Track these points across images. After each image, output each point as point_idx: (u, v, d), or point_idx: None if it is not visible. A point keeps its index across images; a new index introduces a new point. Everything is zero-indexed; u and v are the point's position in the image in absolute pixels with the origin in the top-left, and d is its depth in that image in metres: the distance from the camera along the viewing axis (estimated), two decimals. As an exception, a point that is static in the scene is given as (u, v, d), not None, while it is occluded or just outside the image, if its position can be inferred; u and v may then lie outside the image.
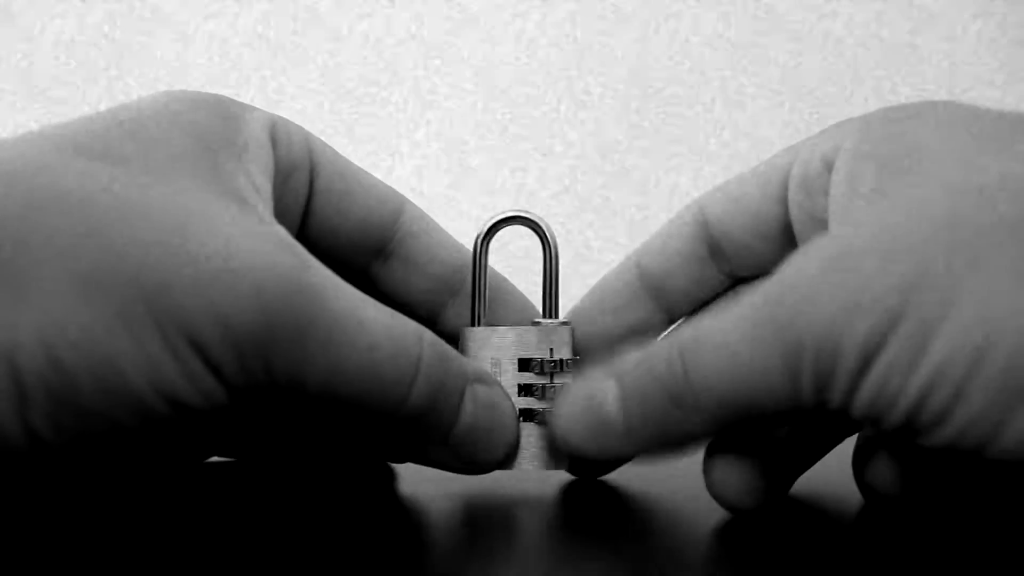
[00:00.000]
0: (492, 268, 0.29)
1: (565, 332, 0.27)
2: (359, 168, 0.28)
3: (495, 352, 0.27)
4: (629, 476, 0.28)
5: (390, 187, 0.28)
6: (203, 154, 0.23)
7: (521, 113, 0.66)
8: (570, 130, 0.66)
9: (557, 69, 0.66)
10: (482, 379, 0.25)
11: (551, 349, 0.26)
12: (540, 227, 0.27)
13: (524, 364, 0.27)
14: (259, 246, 0.22)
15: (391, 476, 0.29)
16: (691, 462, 0.30)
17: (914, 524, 0.24)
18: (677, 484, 0.28)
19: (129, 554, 0.21)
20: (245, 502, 0.26)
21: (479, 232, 0.27)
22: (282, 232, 0.23)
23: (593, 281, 0.29)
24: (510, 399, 0.26)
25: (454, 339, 0.27)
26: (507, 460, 0.26)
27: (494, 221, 0.27)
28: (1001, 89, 0.66)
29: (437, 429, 0.24)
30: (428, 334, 0.24)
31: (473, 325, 0.27)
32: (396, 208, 0.28)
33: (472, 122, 0.66)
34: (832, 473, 0.26)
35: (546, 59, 0.66)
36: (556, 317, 0.27)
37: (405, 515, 0.25)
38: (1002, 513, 0.25)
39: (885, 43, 0.66)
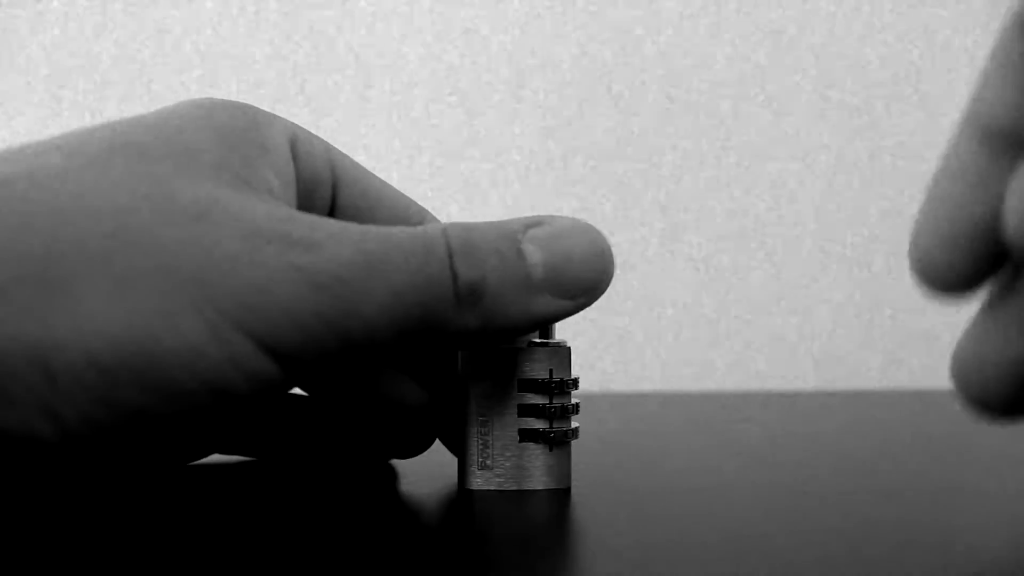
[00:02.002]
0: None
1: (564, 353, 0.27)
2: (381, 181, 0.28)
3: (495, 373, 0.27)
4: (632, 480, 0.29)
5: (411, 200, 0.28)
6: (226, 152, 0.23)
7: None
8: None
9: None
10: (535, 223, 0.25)
11: (551, 370, 0.27)
12: (537, 247, 0.27)
13: (525, 385, 0.27)
14: (271, 218, 0.22)
15: (393, 475, 0.30)
16: (691, 464, 0.31)
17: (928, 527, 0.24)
18: (680, 487, 0.28)
19: (128, 553, 0.21)
20: (245, 501, 0.27)
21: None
22: (287, 207, 0.23)
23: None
24: (576, 220, 0.25)
25: None
26: (610, 272, 0.25)
27: (490, 241, 0.27)
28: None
29: (515, 286, 0.24)
30: (450, 226, 0.24)
31: (471, 346, 0.27)
32: (417, 223, 0.28)
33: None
34: (839, 476, 0.26)
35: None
36: (552, 337, 0.27)
37: (406, 514, 0.26)
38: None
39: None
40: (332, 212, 0.27)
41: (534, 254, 0.24)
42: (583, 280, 0.25)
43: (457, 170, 0.69)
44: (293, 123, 0.26)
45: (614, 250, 0.25)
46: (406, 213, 0.28)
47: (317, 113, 0.70)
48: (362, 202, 0.27)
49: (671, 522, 0.24)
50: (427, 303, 0.23)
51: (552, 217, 0.25)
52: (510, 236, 0.24)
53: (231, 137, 0.24)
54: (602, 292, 0.26)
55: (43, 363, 0.20)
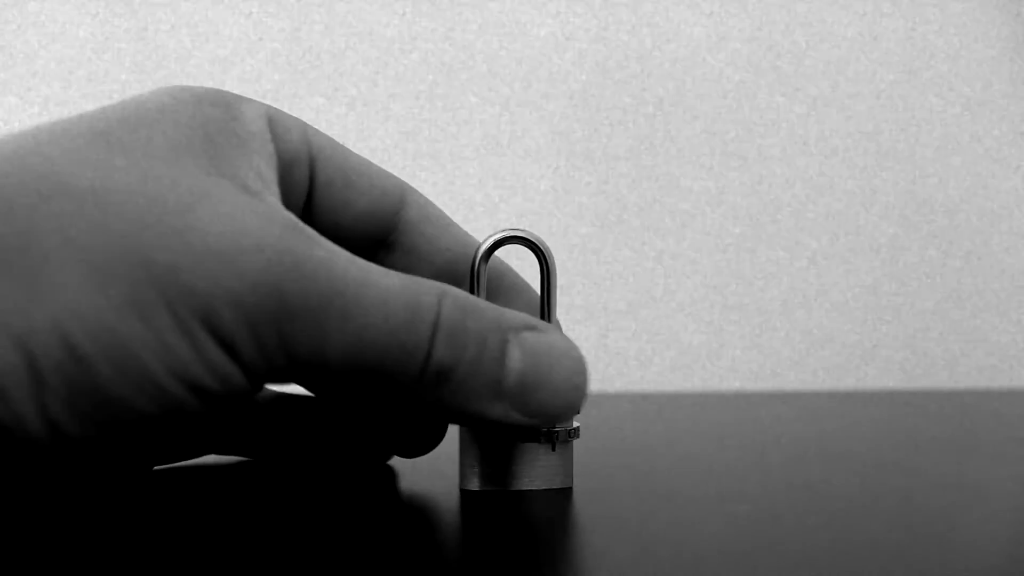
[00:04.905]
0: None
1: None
2: (359, 157, 0.28)
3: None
4: (634, 480, 0.29)
5: (391, 175, 0.28)
6: (206, 144, 0.23)
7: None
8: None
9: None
10: (532, 327, 0.24)
11: (551, 369, 0.27)
12: (538, 247, 0.27)
13: (525, 384, 0.27)
14: (265, 224, 0.22)
15: (392, 474, 0.30)
16: (692, 464, 0.30)
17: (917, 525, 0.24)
18: (681, 486, 0.28)
19: (126, 553, 0.21)
20: (245, 500, 0.27)
21: (477, 251, 0.27)
22: (287, 212, 0.23)
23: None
24: (571, 343, 0.25)
25: None
26: (579, 407, 0.25)
27: (492, 241, 0.27)
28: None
29: (482, 384, 0.24)
30: (452, 291, 0.24)
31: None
32: (398, 197, 0.28)
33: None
34: (828, 473, 0.26)
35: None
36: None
37: (406, 514, 0.26)
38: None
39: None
40: (311, 188, 0.27)
41: (516, 360, 0.24)
42: (547, 406, 0.25)
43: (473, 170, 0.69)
44: (266, 104, 0.26)
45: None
46: (384, 187, 0.28)
47: (321, 112, 0.70)
48: (340, 177, 0.27)
49: (672, 522, 0.24)
50: (390, 368, 0.23)
51: (547, 327, 0.25)
52: (502, 330, 0.24)
53: (211, 128, 0.24)
54: (562, 421, 0.25)
55: (26, 352, 0.20)
